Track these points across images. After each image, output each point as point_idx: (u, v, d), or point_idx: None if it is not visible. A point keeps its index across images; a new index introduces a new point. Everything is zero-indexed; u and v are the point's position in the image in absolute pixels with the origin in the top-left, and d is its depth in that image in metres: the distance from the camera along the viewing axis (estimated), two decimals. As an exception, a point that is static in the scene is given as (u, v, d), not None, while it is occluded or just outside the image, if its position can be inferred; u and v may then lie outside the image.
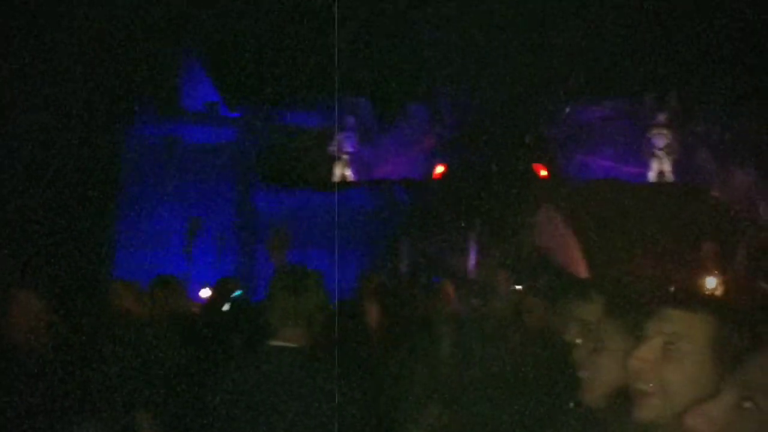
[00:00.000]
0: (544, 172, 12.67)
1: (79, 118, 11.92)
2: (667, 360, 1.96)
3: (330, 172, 13.97)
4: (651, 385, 1.96)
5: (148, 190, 12.70)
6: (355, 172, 13.96)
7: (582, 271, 11.58)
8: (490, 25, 13.39)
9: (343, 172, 13.97)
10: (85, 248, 12.20)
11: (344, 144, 14.05)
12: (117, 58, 12.41)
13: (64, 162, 11.93)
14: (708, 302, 2.07)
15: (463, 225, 11.68)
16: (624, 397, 2.07)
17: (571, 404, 2.82)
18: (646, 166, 12.96)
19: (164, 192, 12.71)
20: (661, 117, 12.82)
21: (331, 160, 14.07)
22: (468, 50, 13.20)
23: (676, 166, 12.74)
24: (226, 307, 6.65)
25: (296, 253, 12.69)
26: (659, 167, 12.81)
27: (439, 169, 12.83)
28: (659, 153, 12.84)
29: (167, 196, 12.70)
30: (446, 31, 13.28)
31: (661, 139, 12.79)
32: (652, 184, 12.78)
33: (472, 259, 11.62)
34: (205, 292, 8.65)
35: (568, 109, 13.28)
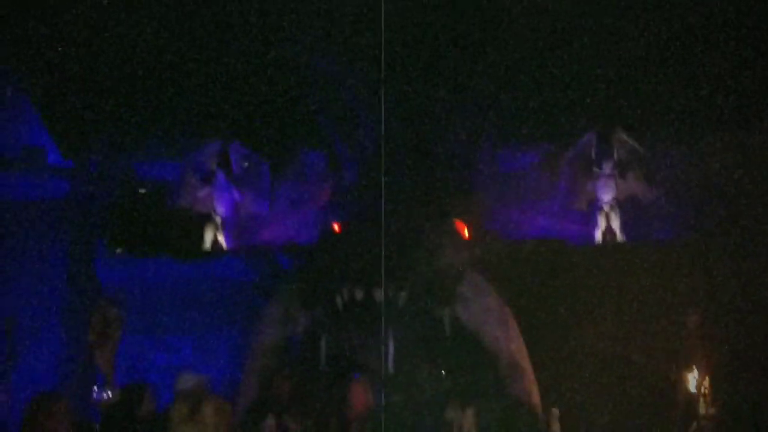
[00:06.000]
0: (466, 232, 10.29)
1: None
2: None
3: (199, 237, 11.25)
4: None
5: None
6: (231, 237, 11.28)
7: (521, 357, 9.20)
8: (397, 53, 11.22)
9: (215, 236, 11.27)
10: None
11: (217, 202, 11.39)
12: None
13: None
14: None
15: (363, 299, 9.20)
16: None
17: None
18: (590, 223, 10.80)
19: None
20: (607, 162, 10.73)
21: (201, 222, 11.37)
22: (370, 84, 10.93)
23: (627, 223, 10.64)
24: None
25: (152, 340, 9.94)
26: (606, 224, 10.67)
27: (334, 228, 10.31)
28: (605, 207, 10.71)
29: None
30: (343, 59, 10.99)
31: (607, 190, 10.70)
32: (599, 244, 10.62)
33: (388, 348, 9.11)
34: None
35: (490, 154, 11.09)
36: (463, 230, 10.38)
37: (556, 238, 10.39)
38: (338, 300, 9.58)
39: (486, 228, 10.66)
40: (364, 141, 11.29)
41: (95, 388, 8.32)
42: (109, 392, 7.37)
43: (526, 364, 9.14)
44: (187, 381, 5.57)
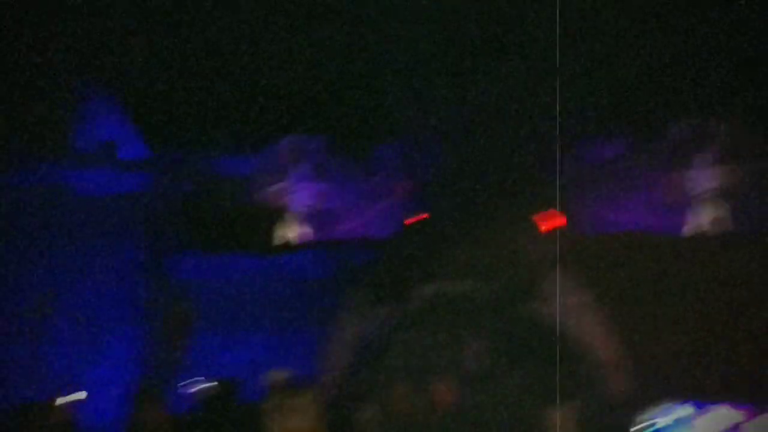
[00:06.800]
0: (551, 226, 9.82)
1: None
2: None
3: (273, 232, 11.11)
4: None
5: (26, 256, 9.71)
6: (306, 232, 11.09)
7: (611, 354, 8.71)
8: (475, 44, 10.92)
9: (289, 232, 11.09)
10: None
11: (293, 197, 11.22)
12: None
13: None
14: None
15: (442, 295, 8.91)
16: None
17: None
18: (682, 216, 10.21)
19: (48, 258, 9.74)
20: (703, 150, 10.14)
21: (276, 217, 11.22)
22: (446, 74, 10.64)
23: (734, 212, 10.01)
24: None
25: (226, 336, 9.85)
26: (700, 216, 10.07)
27: (410, 223, 10.03)
28: (701, 199, 10.10)
29: (52, 263, 9.72)
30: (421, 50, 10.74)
31: (702, 181, 10.10)
32: (691, 237, 10.01)
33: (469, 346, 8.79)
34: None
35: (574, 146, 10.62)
36: (548, 225, 9.96)
37: (645, 231, 9.84)
38: (415, 296, 9.31)
39: (572, 222, 10.21)
40: (441, 137, 11.03)
41: (183, 382, 8.34)
42: (199, 386, 7.35)
43: (616, 361, 8.66)
44: (277, 375, 5.76)
